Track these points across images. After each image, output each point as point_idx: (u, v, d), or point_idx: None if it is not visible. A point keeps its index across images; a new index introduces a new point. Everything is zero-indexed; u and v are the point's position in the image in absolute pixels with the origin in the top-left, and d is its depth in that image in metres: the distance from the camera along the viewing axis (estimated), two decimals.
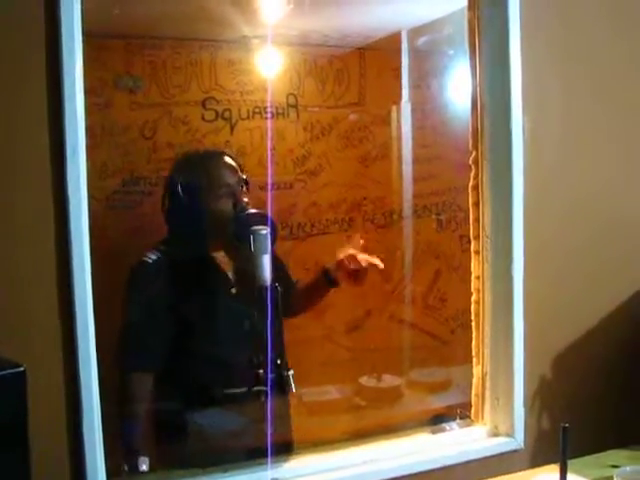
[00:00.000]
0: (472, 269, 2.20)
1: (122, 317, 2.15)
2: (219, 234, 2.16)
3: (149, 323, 2.13)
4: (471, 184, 2.18)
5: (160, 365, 2.14)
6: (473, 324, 2.21)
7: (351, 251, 2.31)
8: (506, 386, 2.12)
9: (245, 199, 2.18)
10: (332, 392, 2.98)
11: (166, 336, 2.14)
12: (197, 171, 2.21)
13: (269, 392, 2.09)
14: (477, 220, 2.17)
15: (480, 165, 2.12)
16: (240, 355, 2.17)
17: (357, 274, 2.30)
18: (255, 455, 2.03)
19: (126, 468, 2.00)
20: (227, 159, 2.26)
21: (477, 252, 2.18)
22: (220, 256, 2.24)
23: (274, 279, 2.04)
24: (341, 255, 2.31)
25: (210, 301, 2.21)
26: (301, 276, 2.58)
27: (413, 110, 3.47)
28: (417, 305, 3.56)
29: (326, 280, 2.35)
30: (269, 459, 1.96)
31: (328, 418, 2.71)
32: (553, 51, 2.13)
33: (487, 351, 2.15)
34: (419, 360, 3.40)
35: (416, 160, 3.49)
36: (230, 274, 2.24)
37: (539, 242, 2.10)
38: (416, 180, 3.50)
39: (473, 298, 2.20)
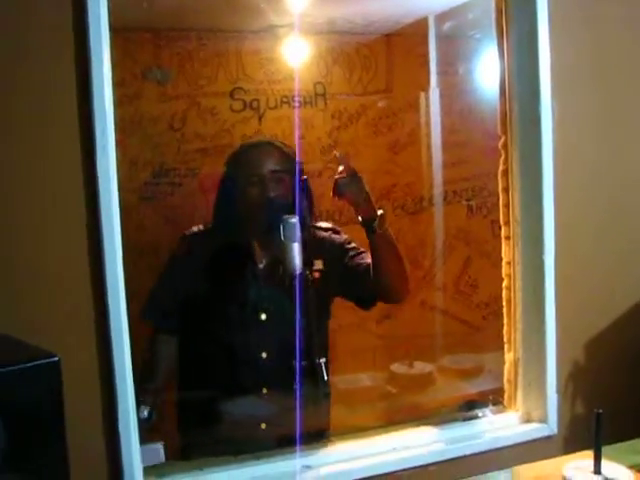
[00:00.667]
0: (503, 255, 2.19)
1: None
2: (250, 222, 2.18)
3: (176, 290, 2.20)
4: (500, 169, 2.16)
5: (183, 329, 2.21)
6: (504, 310, 2.20)
7: None
8: (538, 372, 2.12)
9: (275, 188, 2.17)
10: (363, 380, 2.98)
11: (190, 309, 2.18)
12: (235, 160, 2.25)
13: (297, 380, 2.11)
14: (507, 205, 2.16)
15: (509, 150, 2.10)
16: (266, 343, 2.20)
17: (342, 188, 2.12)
18: (286, 443, 2.06)
19: None
20: (266, 148, 2.25)
21: (507, 238, 2.17)
22: (256, 244, 2.24)
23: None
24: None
25: (236, 286, 2.22)
26: None
27: (441, 96, 3.44)
28: (448, 292, 3.55)
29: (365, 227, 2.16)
30: (298, 447, 1.98)
31: (360, 406, 2.71)
32: (583, 33, 2.11)
33: (519, 337, 2.15)
34: (450, 347, 3.38)
35: (445, 146, 3.46)
36: (260, 263, 2.25)
37: (570, 227, 2.08)
38: (446, 166, 3.47)
39: (504, 284, 2.19)
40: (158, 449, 1.84)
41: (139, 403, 1.98)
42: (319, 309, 2.23)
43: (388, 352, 3.31)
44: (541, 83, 2.00)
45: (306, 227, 2.17)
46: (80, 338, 1.63)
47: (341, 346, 2.93)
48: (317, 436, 2.20)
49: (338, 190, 2.07)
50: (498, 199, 3.31)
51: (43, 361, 1.14)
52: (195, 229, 2.27)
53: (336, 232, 2.31)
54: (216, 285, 2.20)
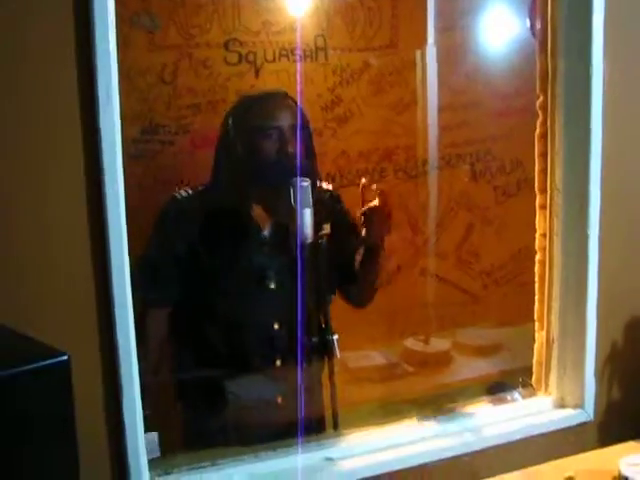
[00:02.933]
0: (537, 226, 2.01)
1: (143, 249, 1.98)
2: (261, 182, 1.97)
3: (169, 258, 1.97)
4: (537, 132, 1.97)
5: (176, 302, 1.99)
6: (537, 286, 2.03)
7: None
8: (575, 353, 1.95)
9: (293, 145, 1.97)
10: (375, 357, 2.78)
11: (186, 279, 1.97)
12: (245, 110, 2.03)
13: (299, 360, 1.96)
14: (544, 171, 1.97)
15: (550, 111, 1.90)
16: (272, 317, 2.04)
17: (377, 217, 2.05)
18: (291, 429, 1.89)
19: None
20: (283, 100, 2.05)
21: (543, 207, 1.98)
22: (259, 209, 2.05)
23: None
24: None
25: (238, 254, 2.02)
26: None
27: (447, 53, 3.24)
28: (449, 259, 3.39)
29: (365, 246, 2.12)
30: (299, 439, 1.83)
31: (374, 386, 2.54)
32: None
33: (554, 315, 1.97)
34: (454, 318, 3.24)
35: (450, 107, 3.27)
36: (265, 228, 2.05)
37: (618, 196, 1.91)
38: (450, 128, 3.29)
39: (537, 257, 2.02)
40: (153, 440, 1.64)
41: None
42: (327, 280, 2.06)
43: (388, 323, 3.14)
44: (593, 36, 1.79)
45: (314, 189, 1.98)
46: (79, 318, 1.42)
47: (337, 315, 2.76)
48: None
49: (368, 221, 2.02)
50: (502, 163, 3.16)
51: (53, 360, 0.93)
52: (184, 193, 2.02)
53: (339, 200, 2.18)
54: (215, 252, 1.98)
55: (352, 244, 2.12)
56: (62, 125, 1.39)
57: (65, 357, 0.95)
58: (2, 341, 1.05)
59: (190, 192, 2.01)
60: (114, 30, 1.43)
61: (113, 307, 1.42)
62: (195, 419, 2.03)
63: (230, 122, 2.00)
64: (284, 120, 1.97)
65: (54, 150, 1.39)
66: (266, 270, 2.03)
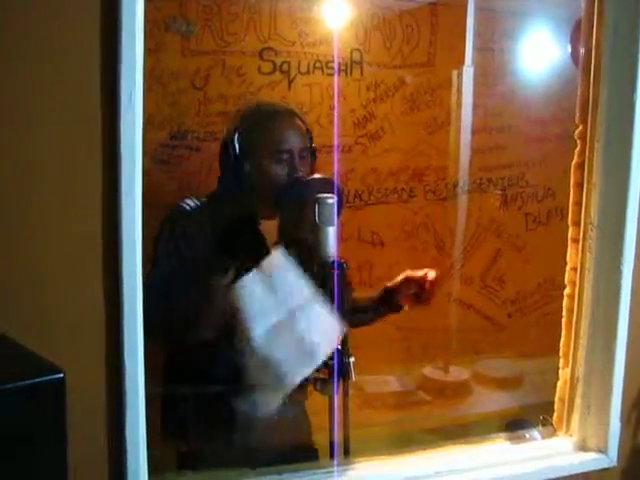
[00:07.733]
0: (568, 259, 1.93)
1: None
2: (268, 201, 1.91)
3: (174, 281, 1.86)
4: (574, 162, 1.89)
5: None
6: (564, 321, 1.95)
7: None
8: (601, 394, 1.86)
9: (302, 168, 1.92)
10: (392, 382, 2.71)
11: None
12: (260, 127, 1.95)
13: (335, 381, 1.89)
14: (579, 204, 1.89)
15: (589, 141, 1.83)
16: None
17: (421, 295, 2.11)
18: (302, 453, 1.86)
19: None
20: (292, 119, 1.99)
21: (576, 240, 1.90)
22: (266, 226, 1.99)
23: None
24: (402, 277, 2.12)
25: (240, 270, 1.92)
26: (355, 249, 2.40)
27: (484, 75, 3.18)
28: (474, 285, 3.32)
29: (388, 306, 2.16)
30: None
31: (388, 413, 2.46)
32: None
33: (581, 353, 1.89)
34: (475, 345, 3.17)
35: (484, 129, 3.22)
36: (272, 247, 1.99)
37: None
38: (483, 151, 3.24)
39: (566, 292, 1.94)
40: None
41: None
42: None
43: (408, 348, 3.06)
44: None
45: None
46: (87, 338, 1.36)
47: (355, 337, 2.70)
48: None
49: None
50: (536, 190, 3.08)
51: (46, 378, 0.88)
52: (192, 203, 1.94)
53: None
54: (218, 266, 1.87)
55: None
56: (82, 129, 1.34)
57: (61, 374, 0.90)
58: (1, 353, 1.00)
59: (195, 203, 1.95)
60: (142, 34, 1.35)
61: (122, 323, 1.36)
62: (201, 437, 1.98)
63: (239, 135, 1.92)
64: (296, 144, 1.93)
65: (73, 159, 1.34)
66: None
